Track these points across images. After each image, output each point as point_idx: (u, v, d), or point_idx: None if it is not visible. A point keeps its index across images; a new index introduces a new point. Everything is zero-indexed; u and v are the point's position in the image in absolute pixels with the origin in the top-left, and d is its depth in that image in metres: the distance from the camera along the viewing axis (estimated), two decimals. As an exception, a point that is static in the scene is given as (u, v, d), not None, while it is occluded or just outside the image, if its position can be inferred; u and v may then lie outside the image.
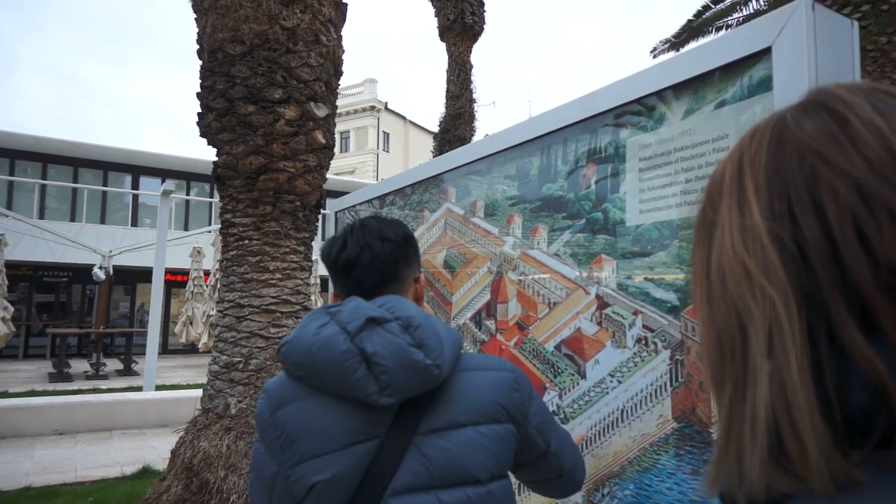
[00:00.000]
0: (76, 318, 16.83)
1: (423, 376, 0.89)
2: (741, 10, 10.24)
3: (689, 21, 10.62)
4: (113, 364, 13.69)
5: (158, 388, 9.11)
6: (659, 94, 1.24)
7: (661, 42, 11.29)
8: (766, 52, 1.03)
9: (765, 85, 1.05)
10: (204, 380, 3.76)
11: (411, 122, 34.69)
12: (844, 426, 0.36)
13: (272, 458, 0.95)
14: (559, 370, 1.42)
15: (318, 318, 0.95)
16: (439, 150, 12.44)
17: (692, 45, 10.80)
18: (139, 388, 9.02)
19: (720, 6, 10.21)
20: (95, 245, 12.45)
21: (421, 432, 0.91)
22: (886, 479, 0.35)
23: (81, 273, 15.53)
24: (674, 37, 10.97)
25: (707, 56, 1.14)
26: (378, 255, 1.03)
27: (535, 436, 0.99)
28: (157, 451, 6.02)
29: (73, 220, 16.31)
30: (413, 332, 0.91)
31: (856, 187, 0.38)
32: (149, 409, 7.24)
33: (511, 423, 0.96)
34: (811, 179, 0.40)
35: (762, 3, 9.94)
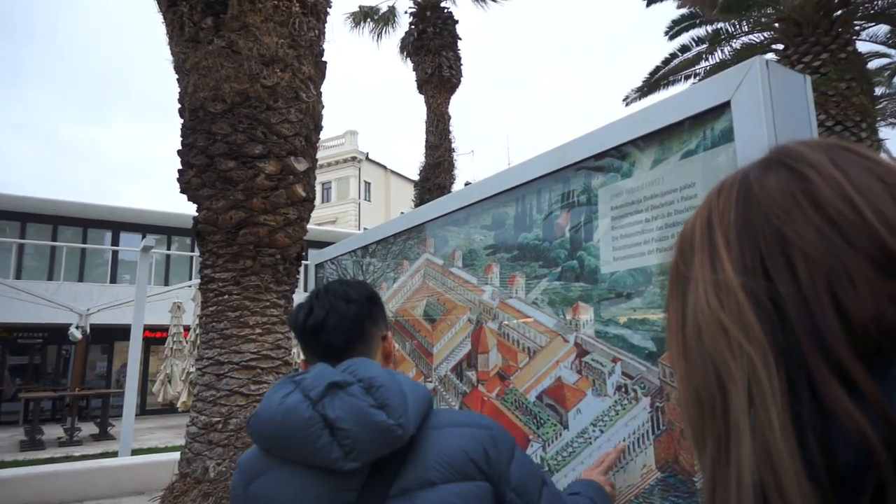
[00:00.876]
0: (51, 381, 16.27)
1: (386, 437, 0.89)
2: (707, 59, 10.70)
3: (658, 67, 11.05)
4: (88, 428, 13.19)
5: (135, 452, 8.77)
6: (627, 146, 1.28)
7: (632, 91, 11.70)
8: (727, 105, 1.08)
9: (727, 136, 1.09)
10: (182, 441, 3.63)
11: (392, 172, 35.13)
12: (832, 485, 0.35)
13: None
14: (542, 421, 1.41)
15: (283, 387, 0.96)
16: (420, 198, 12.58)
17: (662, 92, 11.20)
18: (115, 454, 8.67)
19: (686, 56, 10.65)
20: (72, 304, 12.20)
21: (392, 494, 0.90)
22: None
23: (57, 333, 15.14)
24: (643, 82, 11.38)
25: (671, 109, 1.19)
26: (344, 316, 1.04)
27: (514, 500, 0.93)
28: (132, 519, 5.74)
29: (50, 278, 16.01)
30: (375, 392, 0.91)
31: (823, 247, 0.38)
32: (124, 476, 6.93)
33: (486, 481, 0.92)
34: (779, 237, 0.40)
35: (727, 53, 10.40)
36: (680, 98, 1.18)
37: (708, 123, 1.13)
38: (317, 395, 0.90)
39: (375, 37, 14.69)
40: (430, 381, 1.86)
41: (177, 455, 3.77)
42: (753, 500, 0.36)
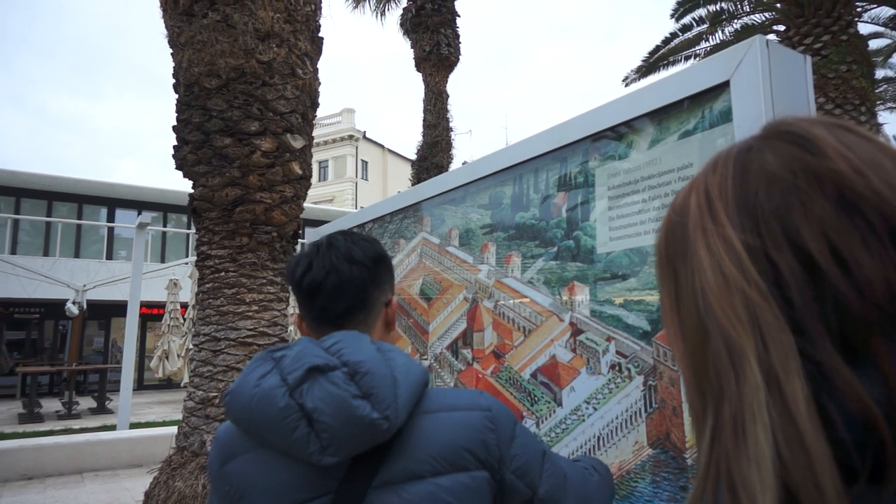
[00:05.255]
0: (48, 356, 16.35)
1: (369, 432, 0.80)
2: (708, 40, 10.59)
3: (657, 47, 10.94)
4: (86, 402, 13.28)
5: (133, 426, 8.85)
6: (625, 126, 1.28)
7: (632, 71, 11.60)
8: (726, 85, 1.08)
9: (725, 116, 1.08)
10: (180, 416, 3.67)
11: (389, 151, 34.92)
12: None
13: None
14: (536, 398, 1.42)
15: (262, 365, 0.88)
16: (417, 177, 12.53)
17: (662, 73, 11.12)
18: (113, 427, 8.75)
19: (687, 36, 10.54)
20: (69, 280, 12.19)
21: (375, 486, 0.83)
22: None
23: (54, 308, 15.16)
24: (643, 62, 11.29)
25: (670, 89, 1.18)
26: (346, 280, 0.94)
27: (513, 482, 0.87)
28: (130, 493, 5.82)
29: (46, 254, 15.97)
30: (360, 379, 0.82)
31: (833, 218, 0.37)
32: (122, 449, 7.01)
33: (483, 470, 0.85)
34: (783, 209, 0.39)
35: (728, 34, 10.30)
36: (679, 77, 1.17)
37: (706, 103, 1.12)
38: (294, 380, 0.82)
39: (378, 14, 14.51)
40: (426, 359, 1.88)
41: (174, 429, 3.80)
42: (774, 481, 0.34)
